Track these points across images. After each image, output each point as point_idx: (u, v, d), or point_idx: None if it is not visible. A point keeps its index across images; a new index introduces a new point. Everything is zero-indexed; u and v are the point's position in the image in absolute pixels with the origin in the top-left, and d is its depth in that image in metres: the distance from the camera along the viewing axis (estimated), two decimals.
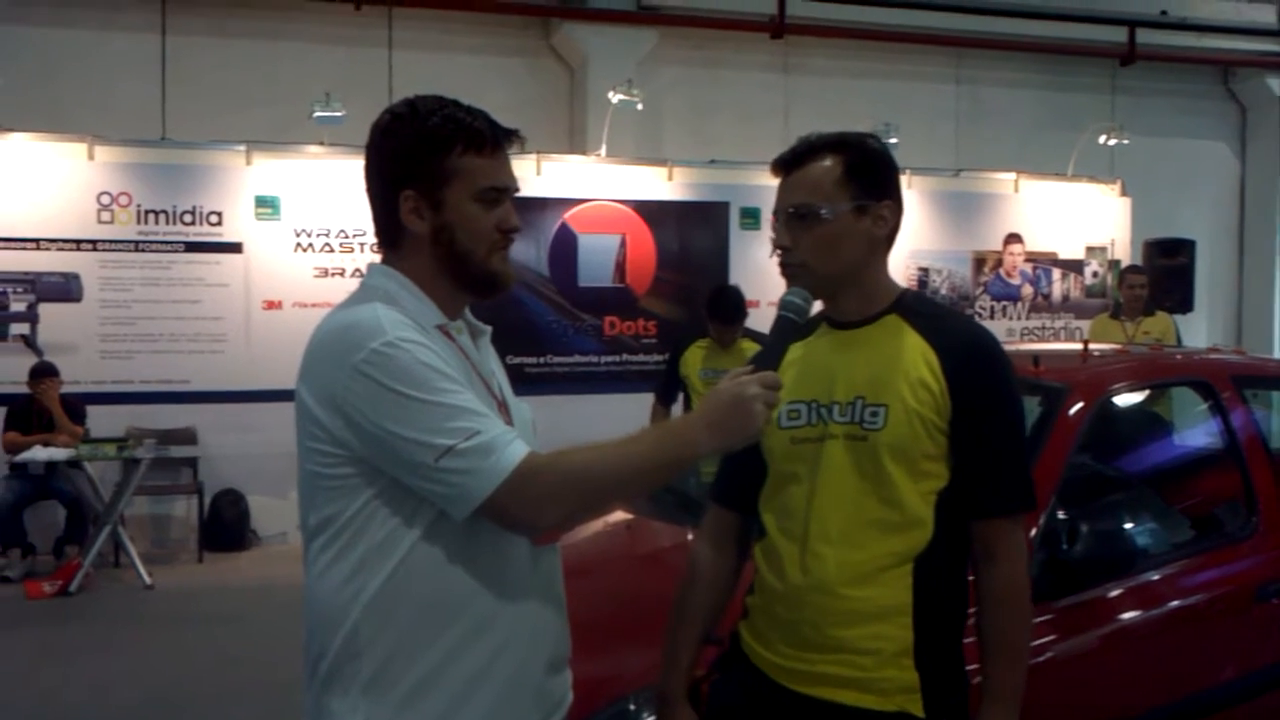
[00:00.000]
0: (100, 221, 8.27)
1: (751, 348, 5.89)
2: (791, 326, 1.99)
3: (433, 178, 1.83)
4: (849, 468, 2.03)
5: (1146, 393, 4.31)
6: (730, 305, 5.96)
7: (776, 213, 2.10)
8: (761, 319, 6.45)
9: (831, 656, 2.02)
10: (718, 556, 2.29)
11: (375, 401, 1.69)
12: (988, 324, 10.09)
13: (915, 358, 2.03)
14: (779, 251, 2.09)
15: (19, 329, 8.12)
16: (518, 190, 1.91)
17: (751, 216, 9.74)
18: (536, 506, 1.72)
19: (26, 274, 8.12)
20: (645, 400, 6.41)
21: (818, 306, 2.16)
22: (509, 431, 1.74)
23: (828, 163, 2.05)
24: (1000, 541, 2.05)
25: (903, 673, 2.01)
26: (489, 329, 1.99)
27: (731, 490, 2.28)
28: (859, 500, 2.02)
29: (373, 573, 1.75)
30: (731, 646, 2.24)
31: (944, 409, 2.01)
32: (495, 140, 1.85)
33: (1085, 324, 9.68)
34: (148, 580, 7.36)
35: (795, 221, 2.06)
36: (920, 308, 2.13)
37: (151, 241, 8.37)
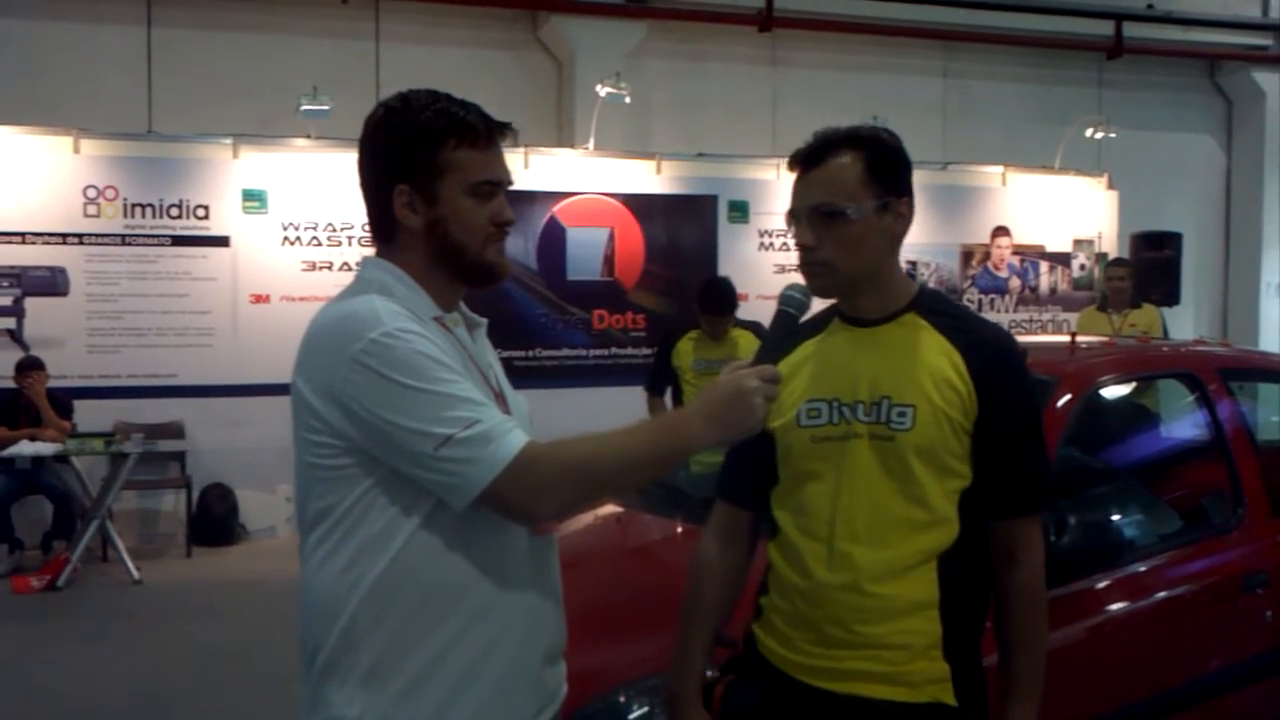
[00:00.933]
0: (86, 215, 8.24)
1: (744, 336, 5.92)
2: (792, 321, 1.98)
3: (427, 172, 1.82)
4: (875, 467, 2.03)
5: (1134, 385, 4.33)
6: (720, 297, 5.98)
7: (796, 211, 2.07)
8: (750, 311, 6.47)
9: (860, 652, 2.02)
10: (726, 554, 2.26)
11: (374, 391, 1.69)
12: None
13: (940, 358, 2.04)
14: (800, 250, 2.07)
15: (5, 323, 8.08)
16: (511, 183, 1.91)
17: (739, 209, 9.75)
18: (536, 495, 1.73)
19: (12, 268, 8.08)
20: (634, 393, 6.40)
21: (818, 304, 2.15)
22: (508, 420, 1.74)
23: (847, 160, 2.04)
24: (1022, 541, 2.09)
25: (933, 664, 2.02)
26: (485, 321, 1.99)
27: (740, 487, 2.25)
28: (885, 499, 2.02)
29: (371, 562, 1.75)
30: (746, 648, 2.22)
31: (970, 410, 2.02)
32: (489, 134, 1.86)
33: (1073, 317, 9.70)
34: (136, 575, 7.35)
35: (820, 220, 2.03)
36: (939, 306, 2.13)
37: (138, 235, 8.34)
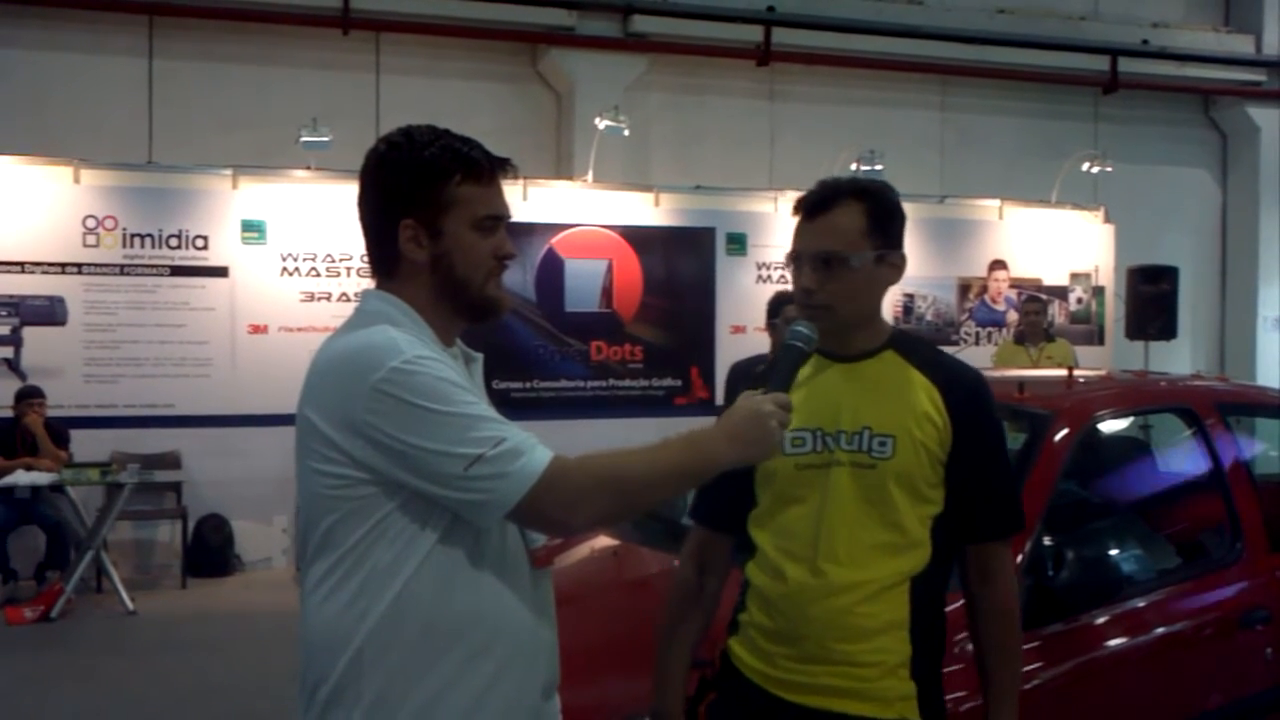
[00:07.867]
0: (86, 245, 8.25)
1: None
2: (800, 355, 2.07)
3: (432, 207, 1.86)
4: (855, 494, 2.15)
5: (1131, 419, 4.32)
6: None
7: (800, 255, 2.17)
8: (748, 344, 6.46)
9: (834, 669, 2.13)
10: (705, 578, 2.37)
11: (400, 418, 1.72)
12: (972, 350, 10.15)
13: (919, 393, 2.18)
14: (802, 293, 2.17)
15: (2, 352, 8.08)
16: (511, 218, 1.95)
17: (737, 242, 9.78)
18: (569, 506, 1.76)
19: (11, 297, 8.08)
20: (633, 425, 6.39)
21: None
22: (532, 436, 1.78)
23: (851, 210, 2.17)
24: (996, 562, 2.25)
25: (901, 683, 2.14)
26: (480, 356, 2.02)
27: (719, 512, 2.35)
28: (864, 524, 2.14)
29: (377, 595, 1.77)
30: (723, 664, 2.30)
31: (946, 441, 2.17)
32: (491, 170, 1.90)
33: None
34: (130, 606, 7.31)
35: (822, 266, 2.15)
36: (914, 345, 2.29)
37: (137, 265, 8.35)
